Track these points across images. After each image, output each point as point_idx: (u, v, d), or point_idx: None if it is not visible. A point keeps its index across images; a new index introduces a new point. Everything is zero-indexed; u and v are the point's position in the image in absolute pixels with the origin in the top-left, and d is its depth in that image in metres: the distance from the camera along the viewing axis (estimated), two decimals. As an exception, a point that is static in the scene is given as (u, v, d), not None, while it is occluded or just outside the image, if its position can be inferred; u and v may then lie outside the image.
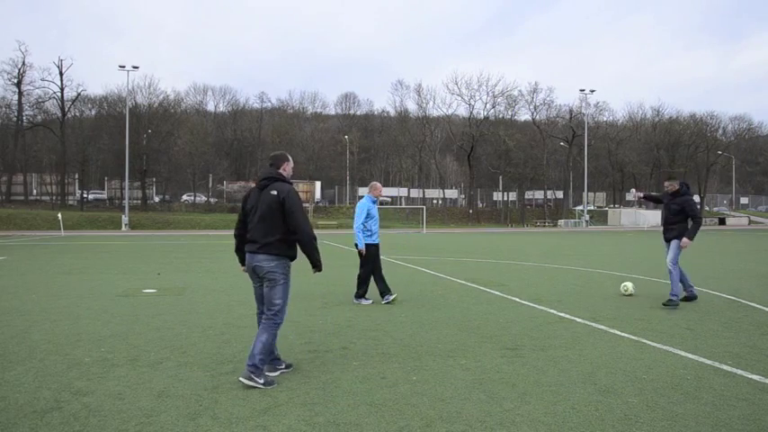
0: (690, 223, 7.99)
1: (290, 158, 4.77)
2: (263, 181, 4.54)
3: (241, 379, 4.29)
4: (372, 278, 8.33)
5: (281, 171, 4.60)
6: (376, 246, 8.28)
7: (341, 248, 21.29)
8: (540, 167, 65.25)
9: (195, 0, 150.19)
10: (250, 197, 4.60)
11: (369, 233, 8.18)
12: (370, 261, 8.23)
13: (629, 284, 8.98)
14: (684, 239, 7.94)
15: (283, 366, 4.71)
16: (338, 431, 3.43)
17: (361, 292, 8.28)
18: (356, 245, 8.17)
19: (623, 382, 4.36)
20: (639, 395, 4.07)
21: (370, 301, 8.21)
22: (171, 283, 10.39)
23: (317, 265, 4.61)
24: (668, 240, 8.20)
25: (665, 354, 5.26)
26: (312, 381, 4.41)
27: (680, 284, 8.02)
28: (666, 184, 8.31)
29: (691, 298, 8.19)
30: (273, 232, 4.42)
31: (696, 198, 74.84)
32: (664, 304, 7.80)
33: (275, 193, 4.42)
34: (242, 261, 4.70)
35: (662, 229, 8.44)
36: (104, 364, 4.89)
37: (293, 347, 5.49)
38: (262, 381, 4.26)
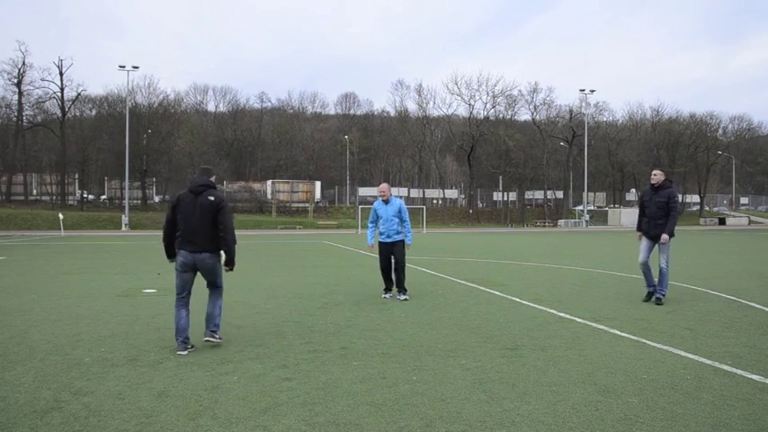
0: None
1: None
2: (199, 187, 5.22)
3: (208, 339, 5.31)
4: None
5: (211, 180, 5.37)
6: (382, 244, 8.72)
7: (341, 248, 21.30)
8: (540, 167, 65.25)
9: (195, 0, 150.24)
10: (183, 202, 5.24)
11: (380, 232, 8.78)
12: (380, 257, 8.76)
13: None
14: (664, 236, 7.85)
15: (191, 347, 5.38)
16: (338, 431, 3.43)
17: (385, 287, 8.81)
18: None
19: (623, 382, 4.36)
20: (639, 395, 4.07)
21: (387, 296, 8.66)
22: (171, 283, 10.36)
23: (231, 263, 5.39)
24: (656, 236, 8.02)
25: (665, 354, 5.25)
26: (312, 381, 4.41)
27: (653, 280, 8.16)
28: (656, 172, 8.10)
29: (651, 295, 8.23)
30: (211, 233, 5.21)
31: (696, 198, 74.96)
32: (657, 304, 7.93)
33: (212, 198, 5.19)
34: (172, 254, 5.39)
35: (644, 225, 8.21)
36: (104, 364, 4.89)
37: (293, 347, 5.49)
38: (221, 338, 5.43)
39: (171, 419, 3.60)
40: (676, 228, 8.14)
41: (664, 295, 8.03)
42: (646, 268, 8.22)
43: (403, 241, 8.64)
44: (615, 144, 67.57)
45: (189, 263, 5.26)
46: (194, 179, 5.35)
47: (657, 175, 8.06)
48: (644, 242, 8.23)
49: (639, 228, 8.41)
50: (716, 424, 3.53)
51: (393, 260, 8.64)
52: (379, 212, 8.65)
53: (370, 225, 8.92)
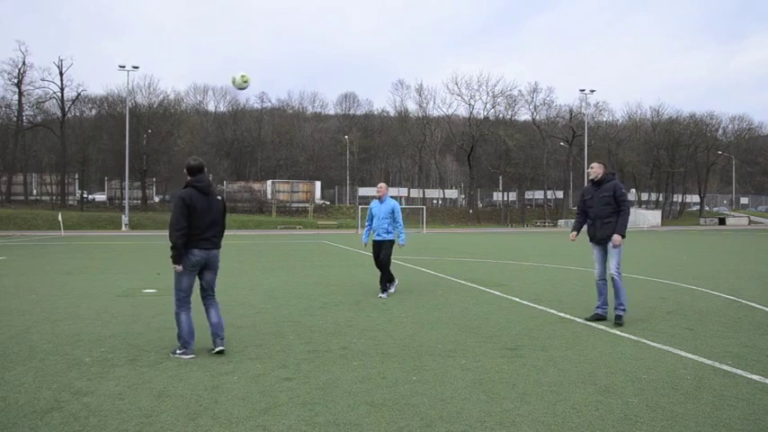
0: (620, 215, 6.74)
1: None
2: (208, 187, 5.26)
3: (221, 348, 5.22)
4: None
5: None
6: (374, 242, 8.98)
7: (341, 248, 21.29)
8: (540, 167, 65.23)
9: (195, 0, 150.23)
10: (198, 201, 5.16)
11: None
12: (373, 255, 9.01)
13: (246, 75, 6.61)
14: (615, 237, 6.68)
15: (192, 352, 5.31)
16: (338, 431, 3.43)
17: (381, 286, 8.89)
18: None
19: (623, 382, 4.36)
20: (639, 395, 4.07)
21: (383, 295, 8.72)
22: (171, 282, 10.37)
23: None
24: (604, 239, 6.82)
25: (665, 354, 5.25)
26: (312, 381, 4.41)
27: (606, 299, 6.90)
28: (593, 165, 7.03)
29: (601, 318, 6.84)
30: (222, 230, 5.39)
31: (695, 198, 74.93)
32: (616, 323, 6.56)
33: (220, 197, 5.34)
34: (180, 259, 5.16)
35: (590, 230, 7.02)
36: (104, 364, 4.89)
37: (293, 347, 5.49)
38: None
39: (171, 419, 3.60)
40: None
41: (624, 311, 6.67)
42: (603, 284, 6.97)
43: (392, 241, 8.86)
44: (615, 144, 67.52)
45: (201, 261, 5.31)
46: (200, 177, 5.26)
47: (595, 168, 6.97)
48: (595, 251, 7.01)
49: (577, 228, 7.22)
50: (716, 424, 3.53)
51: (380, 258, 8.85)
52: (373, 211, 8.97)
53: (367, 224, 9.21)
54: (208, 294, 5.52)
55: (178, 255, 5.13)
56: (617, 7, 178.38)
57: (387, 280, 8.89)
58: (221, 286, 10.13)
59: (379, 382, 4.37)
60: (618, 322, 6.56)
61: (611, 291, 6.92)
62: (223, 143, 70.34)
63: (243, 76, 6.53)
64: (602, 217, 6.80)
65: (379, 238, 8.87)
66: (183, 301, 5.35)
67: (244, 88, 6.72)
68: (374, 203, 9.08)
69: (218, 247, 5.39)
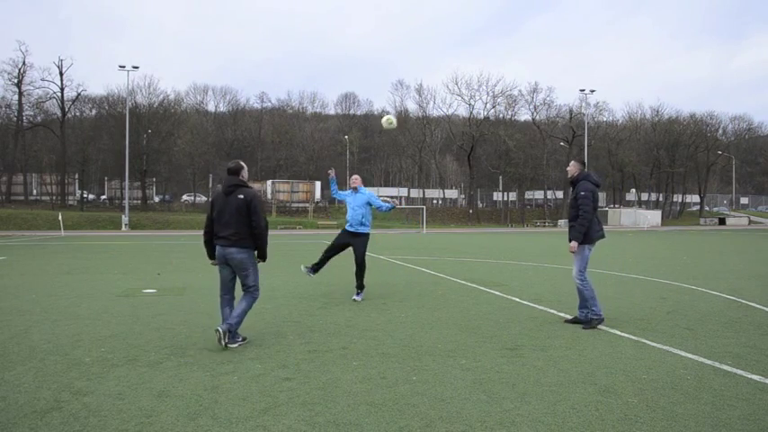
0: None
1: (244, 165, 5.72)
2: (229, 187, 5.49)
3: (217, 329, 5.34)
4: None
5: (240, 178, 5.57)
6: (343, 231, 8.57)
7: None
8: (540, 167, 65.21)
9: (195, 0, 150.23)
10: (217, 202, 5.55)
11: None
12: (335, 239, 8.63)
13: (392, 117, 7.53)
14: (571, 244, 6.38)
15: (240, 339, 5.60)
16: (338, 431, 3.43)
17: (313, 264, 8.65)
18: None
19: (623, 382, 4.36)
20: (639, 395, 4.07)
21: (309, 273, 8.61)
22: (171, 283, 10.39)
23: (263, 257, 5.64)
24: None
25: (665, 354, 5.26)
26: (312, 381, 4.41)
27: (588, 301, 6.52)
28: (571, 163, 6.77)
29: (582, 321, 6.55)
30: (242, 229, 5.43)
31: (695, 198, 74.89)
32: (584, 328, 6.36)
33: (242, 196, 5.41)
34: (211, 254, 5.66)
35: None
36: (104, 364, 4.89)
37: (293, 347, 5.49)
38: (235, 342, 5.44)
39: (171, 419, 3.60)
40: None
41: (597, 315, 6.40)
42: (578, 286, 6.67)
43: (367, 235, 8.43)
44: (615, 144, 67.55)
45: (221, 256, 5.54)
46: (227, 180, 5.60)
47: (570, 167, 6.67)
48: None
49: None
50: (716, 424, 3.53)
51: (355, 256, 8.41)
52: (347, 200, 8.51)
53: (334, 188, 9.12)
54: (243, 289, 5.66)
55: (206, 250, 5.68)
56: (617, 7, 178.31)
57: (363, 278, 8.49)
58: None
59: (379, 382, 4.37)
60: (584, 327, 6.36)
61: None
62: (223, 143, 70.31)
63: (389, 119, 7.05)
64: (570, 219, 6.54)
65: (352, 230, 8.33)
66: (221, 292, 5.70)
67: (391, 129, 7.10)
68: (347, 193, 8.57)
69: (235, 245, 5.43)
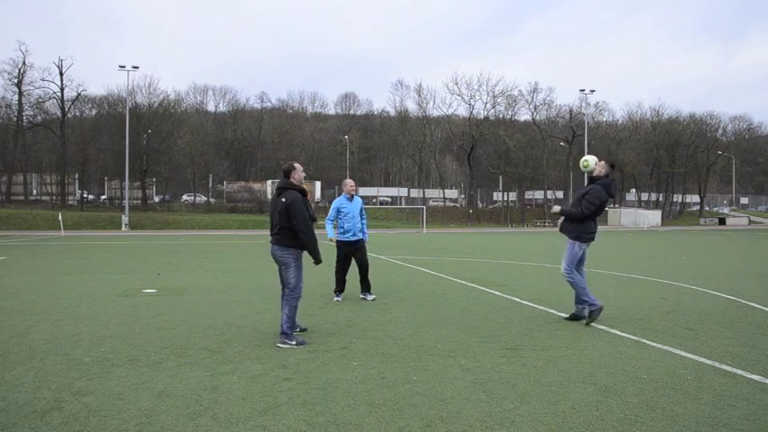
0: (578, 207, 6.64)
1: (297, 166, 5.85)
2: (278, 189, 5.78)
3: (278, 344, 5.47)
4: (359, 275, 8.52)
5: (291, 179, 5.78)
6: (345, 243, 8.45)
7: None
8: (540, 167, 65.20)
9: (195, 0, 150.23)
10: (272, 201, 5.93)
11: (341, 230, 8.46)
12: (340, 255, 8.50)
13: (589, 159, 7.03)
14: (555, 207, 7.05)
15: (298, 329, 5.89)
16: (338, 431, 3.43)
17: (338, 288, 8.51)
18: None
19: (623, 382, 4.36)
20: (639, 395, 4.07)
21: (339, 299, 8.43)
22: (171, 283, 10.39)
23: (314, 259, 5.80)
24: (564, 234, 6.84)
25: (665, 354, 5.26)
26: (312, 381, 4.42)
27: (582, 292, 6.65)
28: (601, 162, 6.86)
29: (578, 317, 6.75)
30: (284, 230, 5.65)
31: (695, 198, 74.88)
32: (587, 323, 6.53)
33: (284, 200, 5.66)
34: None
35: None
36: (104, 364, 4.89)
37: (293, 347, 5.49)
38: (294, 342, 5.51)
39: (171, 419, 3.60)
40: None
41: (594, 305, 6.51)
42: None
43: (364, 241, 8.55)
44: (615, 144, 67.51)
45: (271, 254, 5.87)
46: (279, 181, 5.90)
47: (600, 166, 6.81)
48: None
49: None
50: (716, 424, 3.53)
51: (358, 260, 8.46)
52: (344, 209, 8.34)
53: (329, 221, 8.65)
54: (282, 289, 5.83)
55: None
56: (617, 7, 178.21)
57: (368, 280, 8.55)
58: (224, 285, 10.19)
59: (379, 382, 4.37)
60: (587, 323, 6.54)
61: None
62: (223, 143, 70.35)
63: (585, 161, 6.99)
64: (571, 205, 6.90)
65: (355, 239, 8.39)
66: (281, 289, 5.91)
67: (589, 170, 6.95)
68: (343, 201, 8.40)
69: (278, 243, 5.72)
